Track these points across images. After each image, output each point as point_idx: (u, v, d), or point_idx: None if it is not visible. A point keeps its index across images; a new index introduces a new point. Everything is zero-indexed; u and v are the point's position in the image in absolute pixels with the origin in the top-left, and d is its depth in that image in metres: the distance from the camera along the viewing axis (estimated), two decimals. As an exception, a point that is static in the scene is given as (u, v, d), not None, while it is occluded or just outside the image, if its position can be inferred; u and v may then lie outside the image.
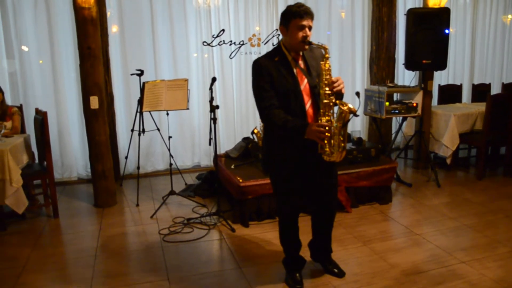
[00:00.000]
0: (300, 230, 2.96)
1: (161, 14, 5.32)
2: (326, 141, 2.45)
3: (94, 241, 3.71)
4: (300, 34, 2.46)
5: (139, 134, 4.67)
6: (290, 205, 2.82)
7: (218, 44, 5.55)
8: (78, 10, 4.12)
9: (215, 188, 4.63)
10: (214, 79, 3.89)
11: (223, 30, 5.52)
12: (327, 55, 2.45)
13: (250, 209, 3.97)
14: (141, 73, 4.67)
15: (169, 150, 4.72)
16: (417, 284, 2.94)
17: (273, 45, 5.72)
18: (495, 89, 7.03)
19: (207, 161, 5.81)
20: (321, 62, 2.47)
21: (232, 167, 4.38)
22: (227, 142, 5.78)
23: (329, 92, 2.45)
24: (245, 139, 4.83)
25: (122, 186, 5.18)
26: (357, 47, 6.21)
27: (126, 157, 5.18)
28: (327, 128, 2.39)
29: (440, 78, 6.77)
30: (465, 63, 7.10)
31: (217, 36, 5.52)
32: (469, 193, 4.81)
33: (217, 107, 3.84)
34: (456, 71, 7.06)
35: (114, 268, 3.25)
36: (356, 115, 2.41)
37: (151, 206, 4.49)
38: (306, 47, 2.52)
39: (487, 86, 6.76)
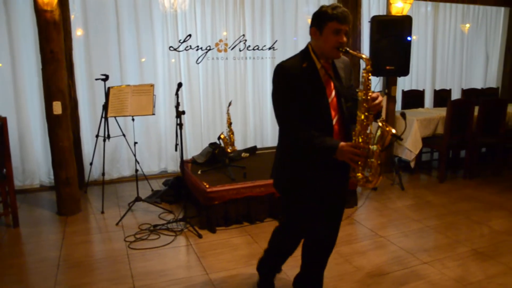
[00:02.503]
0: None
1: (127, 18, 5.25)
2: (360, 163, 2.16)
3: (56, 250, 3.61)
4: (336, 39, 2.15)
5: (104, 140, 4.60)
6: (307, 229, 2.52)
7: (185, 49, 5.53)
8: (39, 12, 4.01)
9: (182, 194, 4.59)
10: (180, 85, 3.87)
11: (189, 35, 5.50)
12: (368, 67, 2.14)
13: (217, 214, 3.96)
14: (106, 78, 4.59)
15: (134, 155, 4.66)
16: (381, 286, 3.00)
17: (240, 50, 5.76)
18: (455, 95, 7.27)
19: (174, 166, 5.76)
20: (363, 75, 2.16)
21: (199, 172, 4.37)
22: (194, 148, 5.75)
23: (368, 108, 2.15)
24: (212, 145, 4.82)
25: (87, 193, 5.06)
26: (323, 53, 6.29)
27: (91, 163, 5.07)
28: (362, 149, 2.13)
29: (404, 83, 6.95)
30: (427, 69, 7.32)
31: (184, 41, 5.50)
32: (432, 195, 4.95)
33: (183, 112, 3.81)
34: (419, 77, 7.26)
35: (78, 278, 3.16)
36: (400, 139, 2.17)
37: (116, 213, 4.41)
38: (340, 54, 2.22)
39: (448, 92, 6.99)
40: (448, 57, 7.48)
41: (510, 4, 7.39)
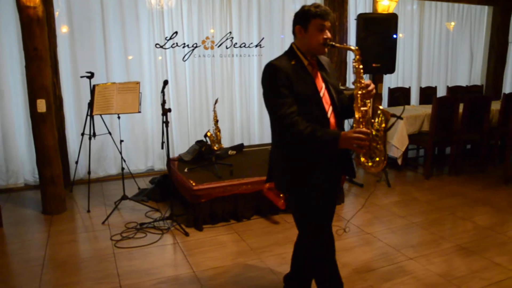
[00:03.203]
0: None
1: (112, 15, 5.20)
2: (364, 149, 2.20)
3: (41, 250, 3.57)
4: (322, 35, 2.22)
5: (90, 138, 4.55)
6: (325, 227, 2.46)
7: (171, 46, 5.49)
8: (22, 9, 3.95)
9: (169, 192, 4.57)
10: (165, 82, 3.84)
11: (176, 32, 5.46)
12: (357, 57, 2.24)
13: (203, 212, 3.95)
14: (91, 75, 4.55)
15: (120, 153, 4.62)
16: (367, 282, 3.03)
17: (227, 48, 5.75)
18: (441, 92, 7.35)
19: (161, 165, 5.72)
20: (354, 64, 2.26)
21: (186, 170, 4.35)
22: (181, 145, 5.72)
23: (363, 95, 2.22)
24: (199, 142, 4.80)
25: (73, 192, 5.01)
26: (310, 50, 6.31)
27: (77, 162, 5.02)
28: (366, 134, 2.13)
29: (390, 81, 7.00)
30: (413, 66, 7.38)
31: (170, 38, 5.46)
32: (417, 192, 5.00)
33: (169, 110, 3.79)
34: (405, 74, 7.32)
35: (63, 278, 3.13)
36: (401, 118, 2.23)
37: (102, 212, 4.37)
38: (326, 50, 2.28)
39: (434, 89, 7.06)
40: (433, 54, 7.55)
41: (494, 3, 7.48)
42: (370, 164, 2.24)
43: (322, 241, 2.43)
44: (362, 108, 2.22)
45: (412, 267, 3.24)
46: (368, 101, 2.24)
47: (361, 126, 2.21)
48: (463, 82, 7.84)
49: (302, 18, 2.25)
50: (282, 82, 2.19)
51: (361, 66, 2.24)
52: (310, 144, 2.20)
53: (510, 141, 5.24)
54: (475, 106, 5.50)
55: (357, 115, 2.23)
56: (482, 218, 4.20)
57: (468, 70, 7.99)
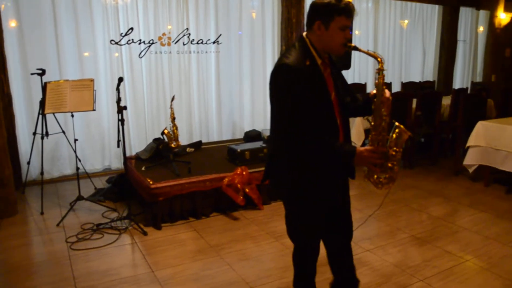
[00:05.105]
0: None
1: (64, 9, 5.02)
2: (378, 169, 2.10)
3: (-10, 255, 3.42)
4: (343, 35, 2.01)
5: (42, 138, 4.38)
6: (317, 239, 2.41)
7: (127, 43, 5.37)
8: (-36, 2, 3.76)
9: (126, 192, 4.48)
10: (120, 79, 3.75)
11: (131, 28, 5.35)
12: (381, 66, 2.06)
13: (162, 211, 3.90)
14: (42, 72, 4.38)
15: (75, 153, 4.48)
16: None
17: (184, 44, 5.68)
18: (395, 88, 7.56)
19: (118, 163, 5.59)
20: (378, 76, 2.07)
21: (143, 169, 4.28)
22: (138, 144, 5.61)
23: (385, 109, 2.06)
24: (156, 140, 4.75)
25: (25, 194, 4.81)
26: (267, 47, 6.35)
27: (28, 162, 4.82)
28: (382, 153, 2.06)
29: (346, 77, 7.02)
30: (368, 63, 7.54)
31: (126, 34, 5.34)
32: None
33: (125, 107, 3.71)
34: (361, 70, 7.47)
35: (14, 283, 3.01)
36: (413, 138, 2.13)
37: (57, 214, 4.23)
38: (344, 51, 2.08)
39: (388, 85, 7.25)
40: (388, 51, 7.75)
41: (443, 2, 7.77)
42: (381, 180, 2.14)
43: (306, 256, 2.41)
44: (380, 125, 2.07)
45: (369, 258, 3.32)
46: (386, 114, 2.08)
47: (376, 144, 2.09)
48: (416, 78, 8.10)
49: (325, 13, 1.99)
50: (302, 88, 1.98)
51: (384, 78, 2.07)
52: (323, 157, 2.08)
53: (459, 135, 5.46)
54: (428, 101, 5.69)
55: (374, 132, 2.08)
56: (435, 209, 4.36)
57: (421, 67, 8.27)
